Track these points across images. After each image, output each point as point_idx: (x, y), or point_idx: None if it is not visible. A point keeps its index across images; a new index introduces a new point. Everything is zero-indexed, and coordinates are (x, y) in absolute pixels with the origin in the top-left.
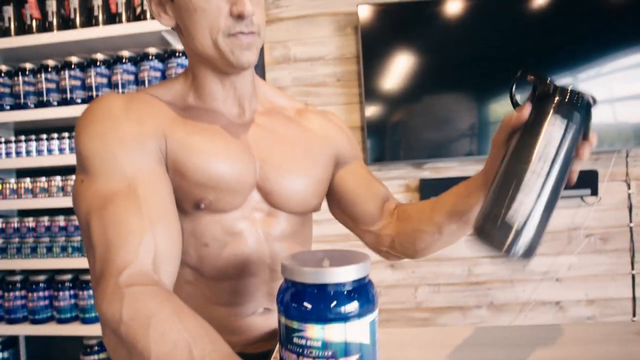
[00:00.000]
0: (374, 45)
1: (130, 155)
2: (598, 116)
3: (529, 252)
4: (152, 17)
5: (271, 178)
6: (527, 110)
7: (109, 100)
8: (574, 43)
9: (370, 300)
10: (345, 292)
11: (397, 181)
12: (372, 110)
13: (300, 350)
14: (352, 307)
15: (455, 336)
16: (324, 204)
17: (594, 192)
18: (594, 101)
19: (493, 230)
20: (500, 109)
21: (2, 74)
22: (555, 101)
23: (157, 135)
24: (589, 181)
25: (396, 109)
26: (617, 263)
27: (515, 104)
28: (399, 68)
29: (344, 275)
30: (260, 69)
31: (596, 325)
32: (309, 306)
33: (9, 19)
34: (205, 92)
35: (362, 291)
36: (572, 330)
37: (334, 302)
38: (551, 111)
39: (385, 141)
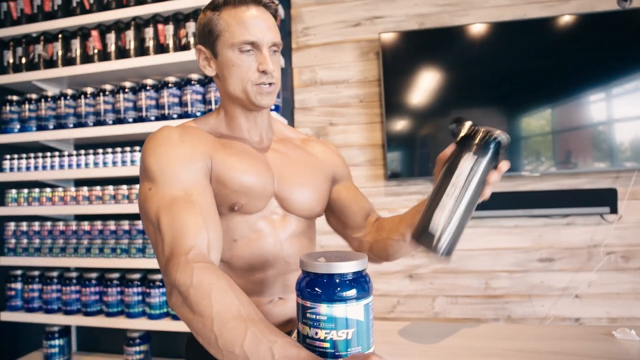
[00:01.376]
0: (395, 69)
1: (186, 171)
2: (619, 134)
3: (449, 252)
4: (195, 46)
5: (285, 189)
6: (450, 148)
7: (168, 130)
8: (597, 61)
9: (366, 288)
10: (347, 281)
11: (416, 196)
12: (393, 129)
13: (312, 323)
14: (352, 292)
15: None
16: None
17: (614, 210)
18: (507, 139)
19: (422, 236)
20: (535, 122)
21: (68, 97)
22: (469, 141)
23: (205, 156)
24: (608, 199)
25: (416, 127)
26: None
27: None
28: (419, 89)
29: (346, 268)
30: (289, 91)
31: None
32: (320, 290)
33: (76, 50)
34: (235, 125)
35: (360, 281)
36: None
37: (338, 288)
38: (465, 149)
39: (404, 158)
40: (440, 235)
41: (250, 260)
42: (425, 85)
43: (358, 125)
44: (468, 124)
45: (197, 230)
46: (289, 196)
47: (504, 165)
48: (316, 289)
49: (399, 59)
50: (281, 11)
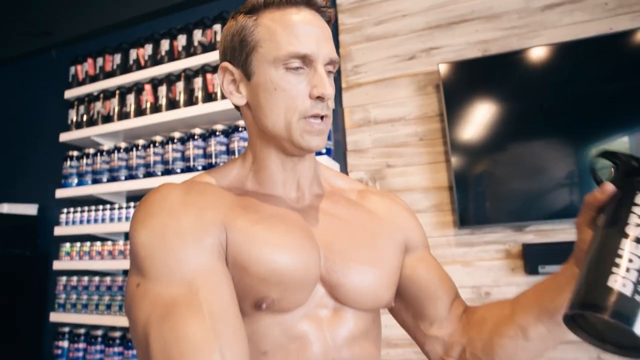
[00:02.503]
0: (458, 101)
1: (189, 253)
2: None
3: None
4: None
5: (337, 269)
6: (607, 190)
7: (166, 191)
8: None
9: None
10: None
11: (494, 246)
12: (461, 168)
13: None
14: None
15: None
16: None
17: None
18: None
19: (601, 300)
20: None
21: (121, 150)
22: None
23: (217, 227)
24: None
25: (486, 164)
26: None
27: (598, 182)
28: (485, 121)
29: None
30: (341, 133)
31: None
32: None
33: (130, 104)
34: (265, 175)
35: None
36: None
37: None
38: (636, 188)
39: (477, 201)
40: (630, 309)
41: None
42: (494, 117)
43: (419, 167)
44: (629, 156)
45: (206, 356)
46: (342, 280)
47: None
48: None
49: (462, 90)
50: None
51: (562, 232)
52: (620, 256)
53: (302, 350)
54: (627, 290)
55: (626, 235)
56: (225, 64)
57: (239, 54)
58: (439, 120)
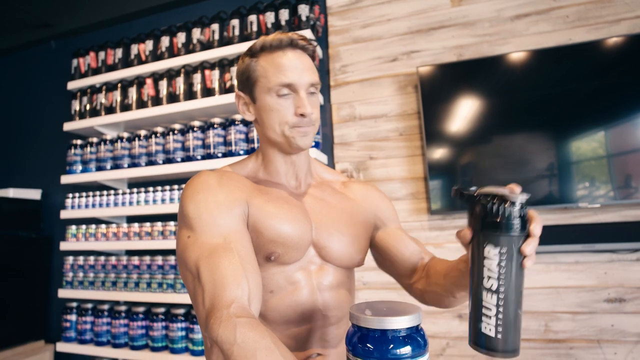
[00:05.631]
0: (434, 100)
1: (224, 217)
2: None
3: (514, 350)
4: None
5: (324, 237)
6: (468, 235)
7: (206, 175)
8: None
9: (421, 345)
10: (400, 337)
11: None
12: (435, 161)
13: None
14: (406, 350)
15: None
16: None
17: None
18: (526, 197)
19: (480, 346)
20: (586, 145)
21: (124, 140)
22: (484, 222)
23: (242, 202)
24: None
25: (458, 157)
26: None
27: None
28: (460, 118)
29: (400, 323)
30: (328, 127)
31: None
32: (372, 347)
33: (132, 97)
34: (272, 168)
35: (414, 337)
36: None
37: (391, 345)
38: (483, 238)
39: (448, 190)
40: (498, 342)
41: (286, 313)
42: (466, 114)
43: (398, 159)
44: (473, 195)
45: (238, 280)
46: (327, 244)
47: (536, 228)
48: (368, 345)
49: (437, 91)
50: (319, 51)
51: None
52: (484, 307)
53: (296, 291)
54: (492, 333)
55: (483, 288)
56: (239, 92)
57: (247, 86)
58: (417, 117)
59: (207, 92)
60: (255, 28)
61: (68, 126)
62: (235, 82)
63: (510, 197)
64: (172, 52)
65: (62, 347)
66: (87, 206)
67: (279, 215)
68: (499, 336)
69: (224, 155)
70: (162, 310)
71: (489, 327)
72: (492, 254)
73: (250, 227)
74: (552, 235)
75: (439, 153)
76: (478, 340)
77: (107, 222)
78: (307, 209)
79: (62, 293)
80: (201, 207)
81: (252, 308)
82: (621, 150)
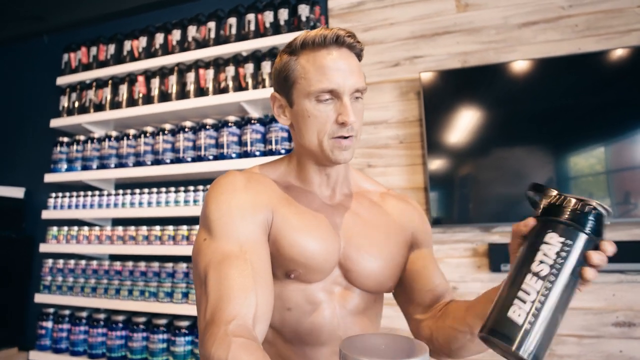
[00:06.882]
0: (436, 108)
1: (245, 223)
2: None
3: (538, 354)
4: (234, 90)
5: (352, 257)
6: (530, 223)
7: (233, 176)
8: None
9: None
10: None
11: (463, 245)
12: (436, 171)
13: None
14: None
15: None
16: None
17: None
18: (609, 211)
19: (493, 335)
20: (583, 161)
21: (112, 139)
22: (556, 215)
23: (267, 208)
24: None
25: (460, 168)
26: None
27: (534, 206)
28: (461, 128)
29: None
30: None
31: None
32: None
33: (123, 94)
34: (305, 176)
35: None
36: None
37: None
38: (550, 226)
39: (449, 202)
40: (521, 334)
41: (302, 333)
42: (470, 124)
43: (398, 167)
44: (554, 193)
45: (246, 295)
46: (355, 267)
47: (608, 246)
48: None
49: (440, 98)
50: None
51: None
52: (522, 289)
53: (316, 312)
54: (520, 319)
55: (529, 271)
56: (275, 93)
57: (284, 86)
58: (418, 125)
59: (201, 91)
60: (253, 27)
61: (55, 122)
62: (230, 83)
63: (593, 203)
64: (166, 50)
65: (36, 355)
66: (70, 207)
67: (304, 229)
68: (527, 326)
69: (215, 157)
70: (143, 319)
71: (519, 312)
72: (555, 241)
73: (272, 238)
74: None
75: (440, 163)
76: (497, 325)
77: (91, 225)
78: (338, 223)
79: (39, 298)
80: (223, 209)
81: (256, 328)
82: (621, 167)
